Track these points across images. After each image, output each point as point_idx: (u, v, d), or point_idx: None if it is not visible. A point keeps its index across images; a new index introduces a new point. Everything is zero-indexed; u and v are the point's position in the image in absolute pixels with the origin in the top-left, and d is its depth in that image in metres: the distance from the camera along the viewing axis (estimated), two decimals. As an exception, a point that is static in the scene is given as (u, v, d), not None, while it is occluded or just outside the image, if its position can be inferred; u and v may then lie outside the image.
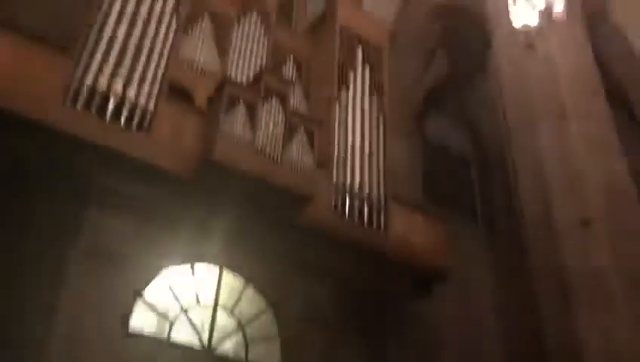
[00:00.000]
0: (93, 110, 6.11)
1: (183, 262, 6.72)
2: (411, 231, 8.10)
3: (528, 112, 7.92)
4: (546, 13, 8.41)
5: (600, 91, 8.04)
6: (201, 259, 6.83)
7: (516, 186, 7.87)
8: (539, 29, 8.27)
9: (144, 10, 7.02)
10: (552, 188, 7.27)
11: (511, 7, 8.60)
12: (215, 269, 6.94)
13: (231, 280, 6.99)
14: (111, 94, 6.27)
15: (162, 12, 7.20)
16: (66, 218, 6.03)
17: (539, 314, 6.90)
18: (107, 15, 6.72)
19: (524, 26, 8.31)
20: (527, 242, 7.37)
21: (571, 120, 7.67)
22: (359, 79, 8.83)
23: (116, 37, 6.65)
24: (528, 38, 8.22)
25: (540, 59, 8.11)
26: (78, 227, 6.04)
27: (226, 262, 6.96)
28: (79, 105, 6.06)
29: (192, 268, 6.80)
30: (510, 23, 8.52)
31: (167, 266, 6.57)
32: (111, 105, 6.21)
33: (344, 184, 7.65)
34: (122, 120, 6.25)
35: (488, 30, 9.09)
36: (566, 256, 6.80)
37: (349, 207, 7.50)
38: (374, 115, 8.67)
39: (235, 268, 7.01)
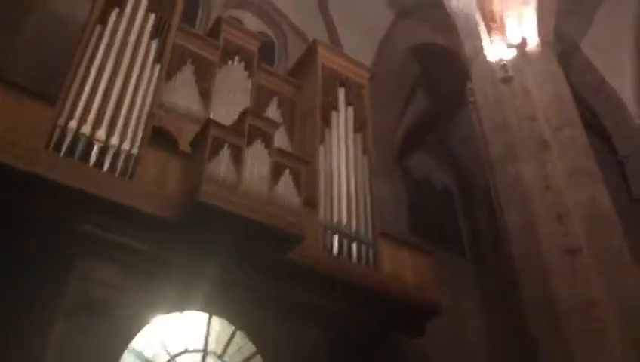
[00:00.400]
0: (77, 157, 6.08)
1: (172, 309, 6.58)
2: (401, 266, 8.09)
3: (509, 145, 8.02)
4: (521, 48, 8.66)
5: (577, 121, 8.19)
6: (190, 306, 6.70)
7: (501, 218, 7.91)
8: (514, 63, 8.48)
9: (127, 56, 7.09)
10: (537, 219, 7.31)
11: (485, 42, 8.85)
12: (204, 316, 6.82)
13: (220, 326, 6.86)
14: (94, 140, 6.26)
15: (145, 58, 7.27)
16: (52, 268, 5.89)
17: (530, 342, 6.86)
18: (91, 61, 6.76)
19: (500, 60, 8.52)
20: (516, 272, 7.37)
21: (552, 150, 7.79)
22: (342, 119, 8.95)
23: (100, 83, 6.66)
24: (505, 72, 8.42)
25: (517, 92, 8.27)
26: (66, 277, 5.89)
27: (215, 308, 6.82)
28: (62, 152, 6.02)
29: (181, 315, 6.68)
30: (486, 57, 8.73)
31: (156, 315, 6.43)
32: (95, 152, 6.19)
33: (332, 222, 7.65)
34: (106, 166, 6.22)
35: (465, 66, 9.29)
36: (555, 286, 6.80)
37: (338, 245, 7.48)
38: (358, 152, 8.76)
39: (223, 314, 6.88)
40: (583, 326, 6.40)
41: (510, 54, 8.56)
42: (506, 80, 8.42)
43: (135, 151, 6.51)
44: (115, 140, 6.41)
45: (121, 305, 6.06)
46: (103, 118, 6.48)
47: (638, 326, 6.37)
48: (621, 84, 12.05)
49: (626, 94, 12.02)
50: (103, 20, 7.18)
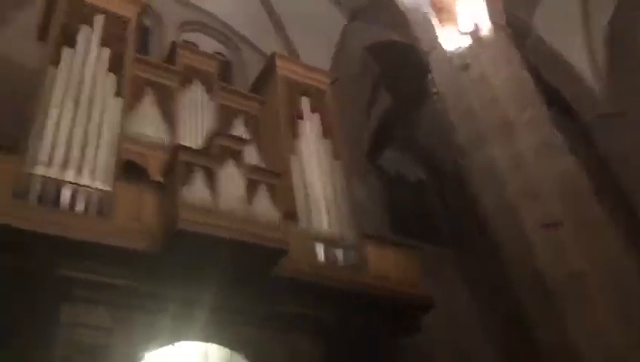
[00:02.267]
0: (48, 202, 5.96)
1: (166, 342, 6.46)
2: (387, 265, 8.11)
3: (475, 130, 8.11)
4: (474, 34, 8.79)
5: (536, 97, 8.31)
6: (184, 336, 6.58)
7: (477, 203, 7.99)
8: (470, 50, 8.60)
9: (86, 93, 6.99)
10: (512, 198, 7.39)
11: (439, 33, 8.96)
12: (199, 344, 6.72)
13: (217, 352, 6.78)
14: (64, 183, 6.14)
15: (105, 92, 7.19)
16: (40, 319, 5.75)
17: (526, 321, 6.90)
18: (48, 102, 6.64)
19: (457, 48, 8.64)
20: (500, 255, 7.43)
21: (516, 129, 7.91)
22: (309, 127, 8.96)
23: (61, 123, 6.55)
24: (462, 60, 8.53)
25: (476, 78, 8.38)
26: (54, 326, 5.74)
27: (210, 334, 6.72)
28: (32, 199, 5.89)
29: (176, 347, 6.55)
30: (442, 48, 8.84)
31: (150, 350, 6.30)
32: (65, 195, 6.08)
33: (314, 231, 7.63)
34: (79, 207, 6.11)
35: (424, 59, 9.38)
36: (541, 263, 6.85)
37: (323, 254, 7.47)
38: (330, 158, 8.77)
39: (219, 340, 6.78)
40: (575, 301, 6.48)
41: (465, 42, 8.68)
42: (464, 67, 8.52)
43: (107, 187, 6.41)
44: (85, 180, 6.30)
45: (112, 345, 5.93)
46: (69, 159, 6.37)
47: (623, 293, 6.47)
48: (575, 55, 12.36)
49: (581, 65, 12.33)
50: (56, 61, 7.09)
